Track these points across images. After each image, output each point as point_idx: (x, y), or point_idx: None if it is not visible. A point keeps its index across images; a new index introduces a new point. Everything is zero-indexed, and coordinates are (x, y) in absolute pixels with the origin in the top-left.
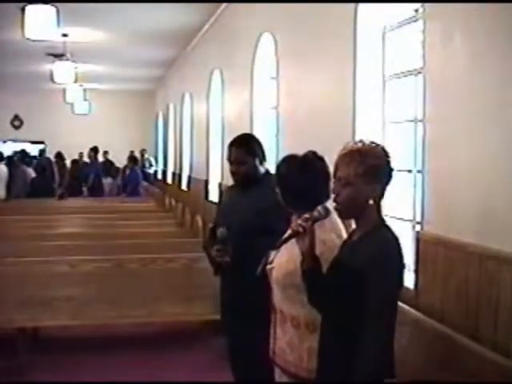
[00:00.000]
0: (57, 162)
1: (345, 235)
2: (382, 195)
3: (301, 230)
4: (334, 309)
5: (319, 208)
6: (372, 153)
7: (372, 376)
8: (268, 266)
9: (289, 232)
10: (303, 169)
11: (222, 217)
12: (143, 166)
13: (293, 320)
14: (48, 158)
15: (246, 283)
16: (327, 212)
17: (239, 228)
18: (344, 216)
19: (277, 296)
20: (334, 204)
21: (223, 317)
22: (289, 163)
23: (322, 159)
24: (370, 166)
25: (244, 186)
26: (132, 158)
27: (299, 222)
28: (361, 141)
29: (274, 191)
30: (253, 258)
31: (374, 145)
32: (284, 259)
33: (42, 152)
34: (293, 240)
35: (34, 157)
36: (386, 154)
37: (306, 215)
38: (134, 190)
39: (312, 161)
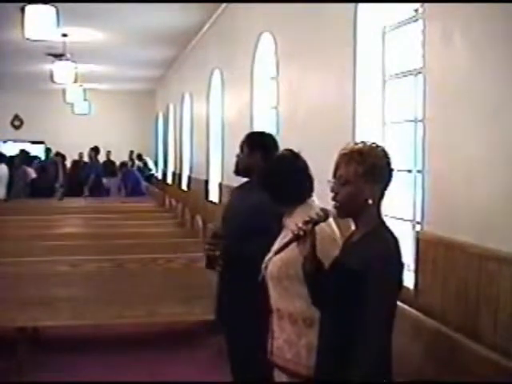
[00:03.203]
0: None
1: (339, 238)
2: (381, 196)
3: (301, 233)
4: (334, 309)
5: (319, 211)
6: (372, 153)
7: (371, 376)
8: (263, 264)
9: (286, 235)
10: (280, 166)
11: (222, 214)
12: (139, 170)
13: (290, 316)
14: (53, 158)
15: (233, 283)
16: (327, 214)
17: (231, 227)
18: (343, 215)
19: (273, 294)
20: (333, 203)
21: (217, 316)
22: (268, 163)
23: (297, 155)
24: (370, 166)
25: (243, 186)
26: (130, 159)
27: (300, 225)
28: (362, 141)
29: (262, 192)
30: (239, 257)
31: (374, 145)
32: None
33: (47, 152)
34: (284, 232)
35: (35, 157)
36: (386, 155)
37: (306, 218)
38: (134, 189)
39: (288, 157)
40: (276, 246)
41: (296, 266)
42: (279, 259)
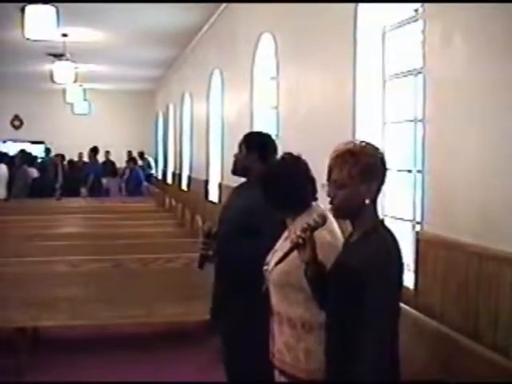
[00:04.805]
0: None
1: (341, 237)
2: (377, 194)
3: (300, 241)
4: (335, 309)
5: (316, 217)
6: (364, 152)
7: (373, 377)
8: (264, 267)
9: (289, 236)
10: (282, 172)
11: (219, 215)
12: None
13: (289, 321)
14: (52, 158)
15: (227, 283)
16: (324, 219)
17: (226, 227)
18: (341, 217)
19: (274, 298)
20: (330, 206)
21: (212, 316)
22: (268, 169)
23: (298, 158)
24: (364, 166)
25: (241, 186)
26: (132, 158)
27: (298, 233)
28: (351, 141)
29: (258, 192)
30: (232, 257)
31: (364, 144)
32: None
33: (47, 152)
34: (287, 234)
35: (36, 157)
36: (378, 152)
37: (304, 225)
38: (135, 189)
39: (289, 162)
40: (277, 247)
41: (297, 275)
42: (280, 267)
